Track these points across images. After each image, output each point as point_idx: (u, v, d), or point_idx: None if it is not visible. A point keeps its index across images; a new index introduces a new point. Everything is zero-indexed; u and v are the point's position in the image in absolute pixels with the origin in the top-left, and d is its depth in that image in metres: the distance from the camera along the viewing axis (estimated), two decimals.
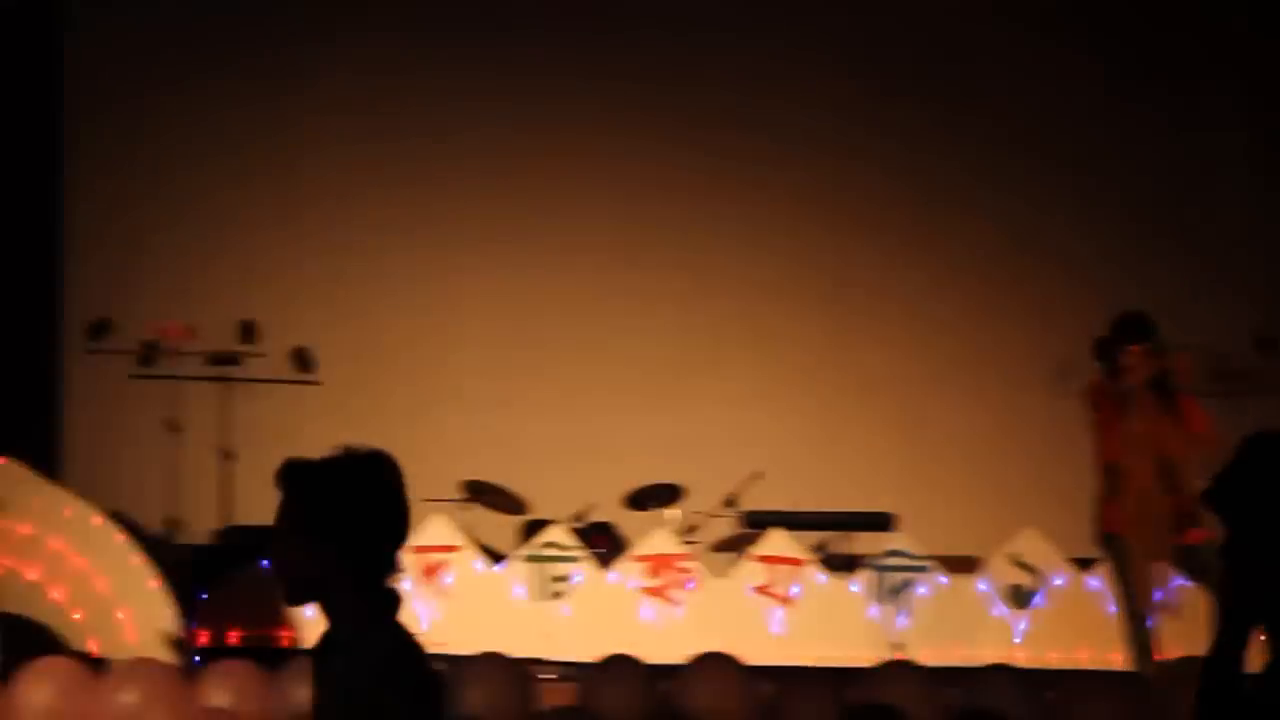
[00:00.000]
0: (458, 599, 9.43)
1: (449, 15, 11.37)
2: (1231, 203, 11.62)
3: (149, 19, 11.41)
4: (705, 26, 11.40)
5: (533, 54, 11.30)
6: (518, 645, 8.78)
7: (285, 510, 3.38)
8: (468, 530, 9.79)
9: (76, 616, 8.93)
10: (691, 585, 9.41)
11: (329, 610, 3.38)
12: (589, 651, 8.75)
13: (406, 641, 3.39)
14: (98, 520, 9.15)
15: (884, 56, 11.49)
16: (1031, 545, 9.46)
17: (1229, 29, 11.60)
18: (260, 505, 11.15)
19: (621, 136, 11.29)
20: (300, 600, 3.43)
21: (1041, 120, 11.59)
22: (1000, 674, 7.33)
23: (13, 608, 8.54)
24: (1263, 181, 11.61)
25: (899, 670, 7.63)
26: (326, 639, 3.36)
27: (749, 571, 9.46)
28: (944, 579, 9.50)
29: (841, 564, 9.75)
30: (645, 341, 11.21)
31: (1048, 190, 11.54)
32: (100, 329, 10.93)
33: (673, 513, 10.01)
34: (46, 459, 10.44)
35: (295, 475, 3.42)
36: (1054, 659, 9.25)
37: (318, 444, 11.47)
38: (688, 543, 9.81)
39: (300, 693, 7.37)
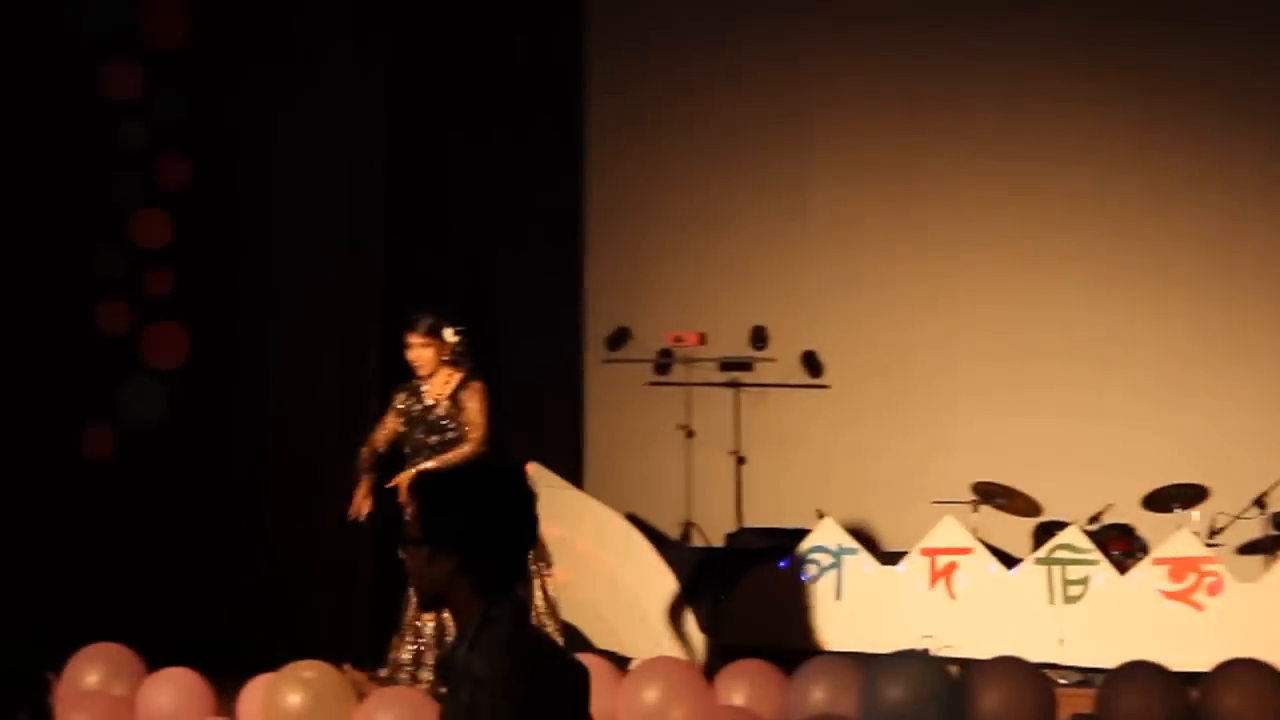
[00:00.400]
0: (970, 602, 9.34)
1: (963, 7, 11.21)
2: None
3: (663, 31, 11.72)
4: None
5: (1049, 48, 11.03)
6: (1032, 649, 8.63)
7: (413, 520, 3.47)
8: (979, 532, 9.69)
9: (606, 616, 9.28)
10: (1219, 590, 9.03)
11: (455, 619, 3.44)
12: (1106, 657, 8.52)
13: (527, 650, 3.41)
14: (621, 523, 9.49)
15: None
16: None
17: None
18: (770, 508, 11.41)
19: (1137, 126, 10.90)
20: (431, 607, 3.53)
21: None
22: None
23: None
24: None
25: None
26: (454, 648, 3.42)
27: None
28: None
29: None
30: (1162, 335, 10.78)
31: None
32: (619, 338, 11.34)
33: (1193, 514, 9.61)
34: (570, 465, 10.90)
35: (423, 487, 3.50)
36: None
37: (826, 447, 11.74)
38: (1212, 545, 9.42)
39: (816, 693, 7.45)
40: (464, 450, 7.59)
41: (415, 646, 7.75)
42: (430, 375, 7.80)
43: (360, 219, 10.29)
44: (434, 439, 7.79)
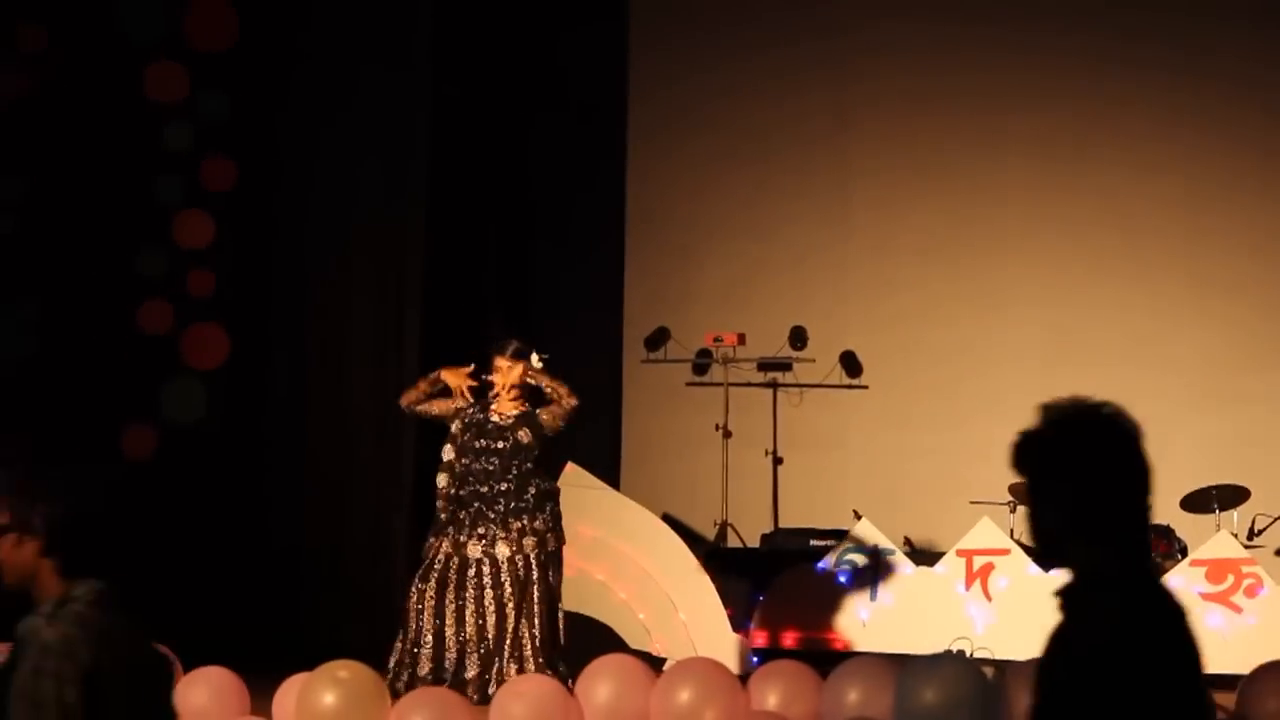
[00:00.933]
0: (1007, 603, 9.31)
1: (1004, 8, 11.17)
2: None
3: (705, 33, 11.73)
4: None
5: (1089, 48, 10.98)
6: None
7: (1021, 466, 3.35)
8: (1016, 533, 9.66)
9: (641, 616, 9.29)
10: (1257, 591, 8.99)
11: (1070, 565, 3.33)
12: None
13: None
14: (658, 524, 9.51)
15: None
16: None
17: None
18: (807, 508, 11.41)
19: (1176, 127, 10.85)
20: (1050, 558, 3.40)
21: None
22: None
23: (583, 608, 8.96)
24: None
25: None
26: (1065, 594, 3.31)
27: None
28: None
29: None
30: (1200, 336, 10.73)
31: None
32: (658, 339, 11.36)
33: (1234, 515, 9.57)
34: (608, 465, 10.93)
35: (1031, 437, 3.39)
36: None
37: (864, 447, 11.74)
38: (1251, 547, 9.37)
39: (851, 695, 7.45)
40: (566, 405, 7.78)
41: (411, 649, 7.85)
42: (501, 396, 8.00)
43: (400, 221, 10.35)
44: (481, 442, 7.92)
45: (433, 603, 7.84)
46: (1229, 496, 9.62)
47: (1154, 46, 10.91)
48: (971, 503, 9.84)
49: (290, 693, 7.24)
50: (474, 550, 7.87)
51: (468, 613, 7.84)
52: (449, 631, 7.84)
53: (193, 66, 10.16)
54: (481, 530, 7.87)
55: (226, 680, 7.37)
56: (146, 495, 9.75)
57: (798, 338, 11.16)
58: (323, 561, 9.96)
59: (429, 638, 7.87)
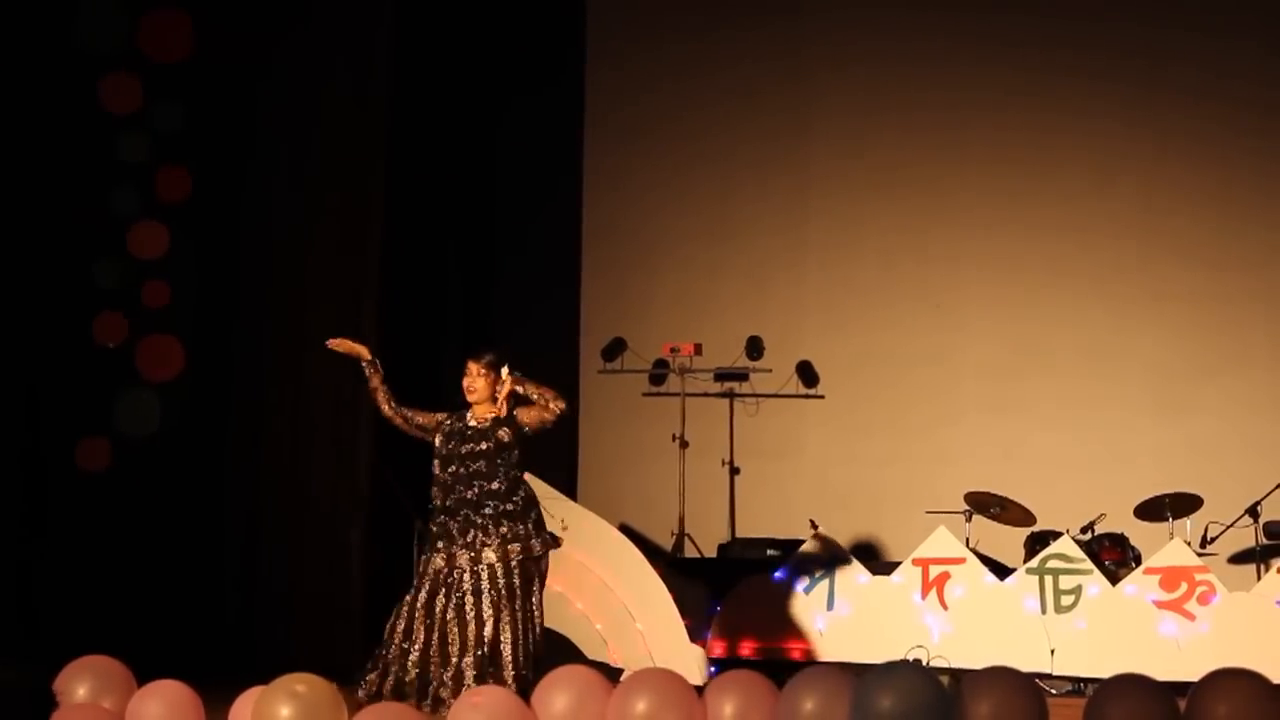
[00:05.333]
0: (963, 612, 9.36)
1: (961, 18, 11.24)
2: None
3: (662, 44, 11.75)
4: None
5: (1047, 58, 11.05)
6: (1024, 659, 8.66)
7: None
8: (972, 542, 9.71)
9: (598, 627, 9.29)
10: (1210, 599, 9.05)
11: None
12: (1098, 667, 8.54)
13: None
14: (615, 534, 9.51)
15: None
16: None
17: None
18: (764, 518, 11.43)
19: (1133, 138, 10.93)
20: None
21: None
22: None
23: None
24: None
25: None
26: None
27: (1274, 585, 9.03)
28: None
29: None
30: (1155, 346, 10.82)
31: None
32: (614, 349, 11.36)
33: (1188, 523, 9.63)
34: (565, 476, 10.93)
35: None
36: None
37: (820, 457, 11.72)
38: (1203, 555, 9.43)
39: (807, 704, 7.45)
40: (554, 408, 7.83)
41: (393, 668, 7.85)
42: (476, 404, 8.04)
43: (360, 234, 10.32)
44: (465, 448, 7.96)
45: (422, 613, 7.85)
46: (1182, 505, 9.68)
47: (1110, 57, 10.99)
48: (927, 513, 9.88)
49: (246, 706, 7.20)
50: (462, 559, 7.89)
51: (450, 621, 7.86)
52: (434, 639, 7.84)
53: (148, 77, 10.12)
54: (469, 537, 7.89)
55: (181, 694, 7.33)
56: (101, 508, 9.71)
57: (754, 348, 11.18)
58: (278, 573, 9.93)
59: (414, 648, 7.86)
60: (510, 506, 7.90)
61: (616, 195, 11.73)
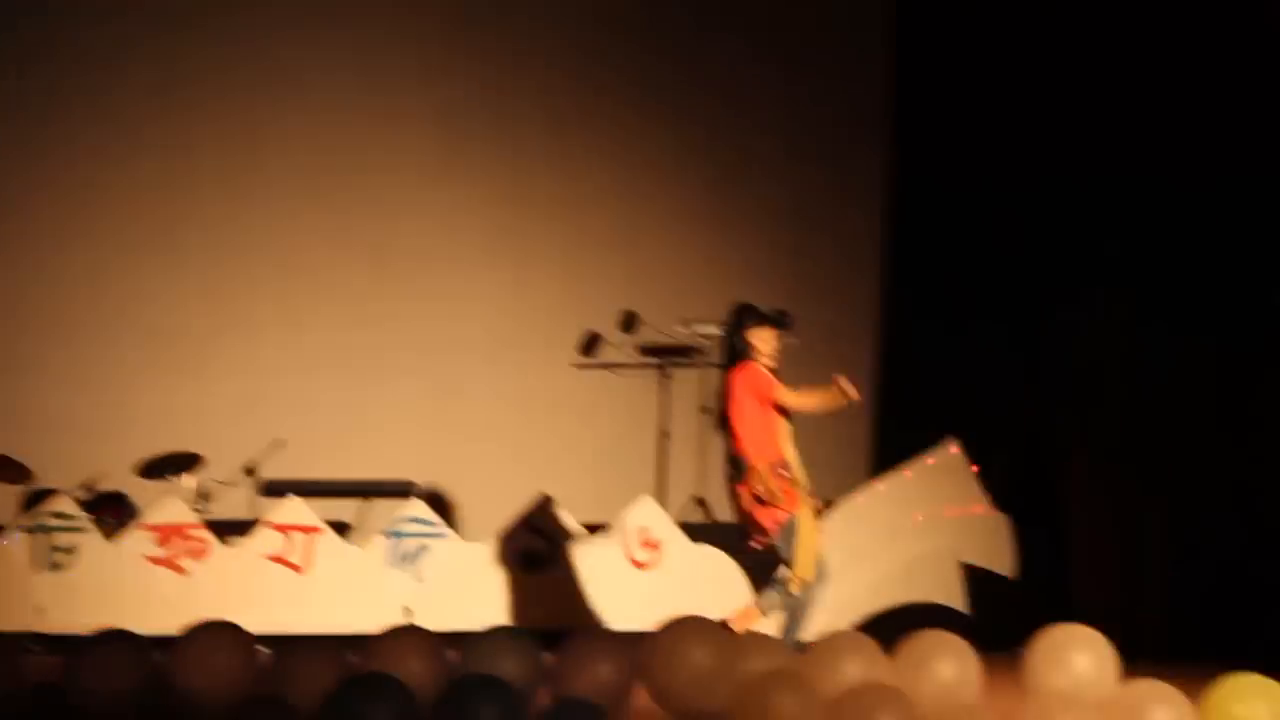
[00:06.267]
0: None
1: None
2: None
3: None
4: None
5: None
6: (11, 619, 8.50)
7: None
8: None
9: None
10: (204, 554, 9.27)
11: None
12: (87, 621, 8.50)
13: None
14: None
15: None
16: (543, 512, 9.67)
17: None
18: None
19: (222, 99, 11.02)
20: None
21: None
22: (499, 636, 7.37)
23: None
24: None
25: (402, 635, 7.63)
26: None
27: (264, 540, 9.37)
28: (460, 545, 9.62)
29: (344, 531, 9.85)
30: (166, 308, 10.94)
31: (579, 163, 11.67)
32: None
33: (188, 481, 9.82)
34: None
35: None
36: (565, 619, 9.46)
37: None
38: (201, 511, 9.65)
39: None
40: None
41: None
42: None
43: None
44: None
45: None
46: (181, 463, 9.89)
47: (435, 52, 11.13)
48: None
49: None
50: None
51: None
52: None
53: None
54: None
55: None
56: None
57: None
58: None
59: None
60: None
61: None
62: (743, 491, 7.85)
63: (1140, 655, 7.37)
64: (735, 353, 7.94)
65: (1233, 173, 10.24)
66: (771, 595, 7.85)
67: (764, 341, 7.91)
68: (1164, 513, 10.23)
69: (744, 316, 7.96)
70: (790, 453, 7.95)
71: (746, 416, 7.87)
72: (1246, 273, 10.26)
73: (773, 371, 7.95)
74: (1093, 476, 10.43)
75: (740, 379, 7.91)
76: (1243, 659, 7.02)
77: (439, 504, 10.18)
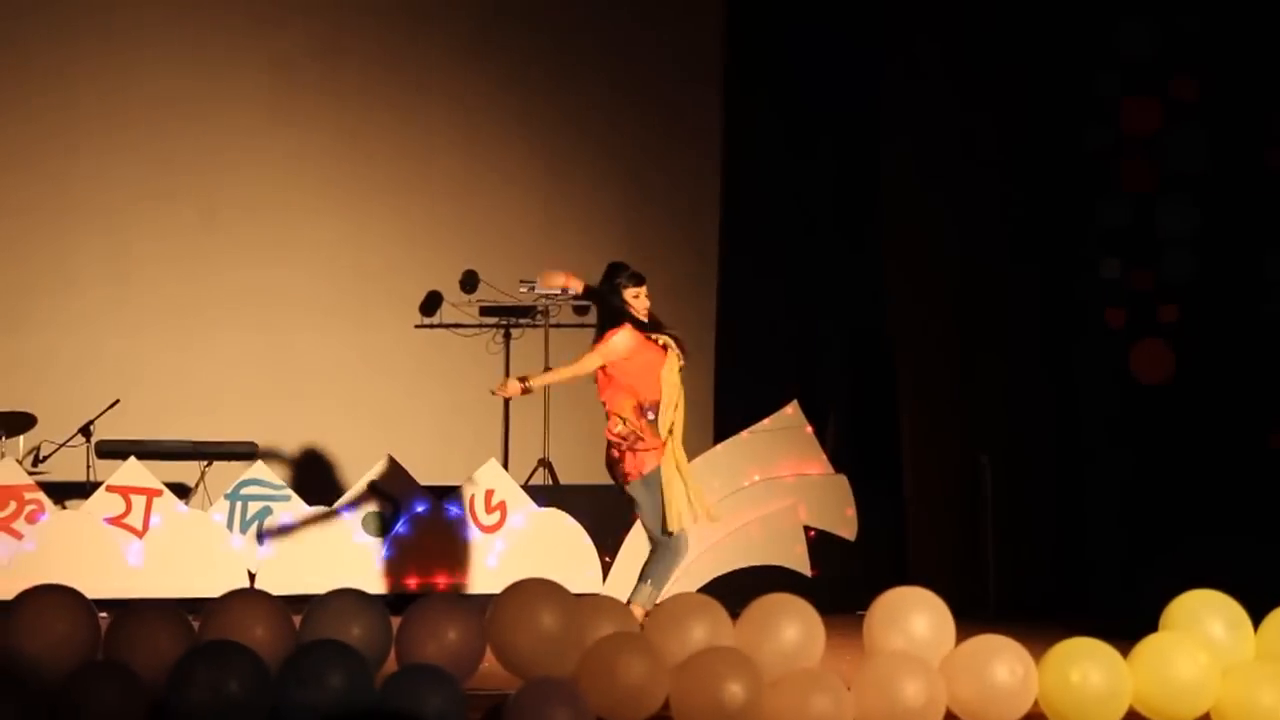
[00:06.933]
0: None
1: None
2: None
3: None
4: None
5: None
6: None
7: None
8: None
9: None
10: (43, 517, 9.12)
11: None
12: None
13: None
14: None
15: None
16: (388, 475, 9.64)
17: None
18: None
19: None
20: None
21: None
22: (345, 600, 7.34)
23: None
24: None
25: (245, 598, 7.57)
26: None
27: (103, 502, 9.23)
28: (304, 507, 9.55)
29: (185, 494, 9.76)
30: None
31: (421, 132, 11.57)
32: None
33: (21, 442, 9.68)
34: None
35: None
36: (413, 583, 9.46)
37: None
38: (36, 473, 9.49)
39: None
40: None
41: None
42: None
43: None
44: None
45: None
46: (15, 423, 9.72)
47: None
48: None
49: None
50: None
51: None
52: None
53: None
54: None
55: None
56: None
57: None
58: None
59: None
60: None
61: None
62: (607, 436, 7.93)
63: (975, 617, 7.54)
64: (612, 311, 7.97)
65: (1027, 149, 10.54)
66: (644, 590, 7.87)
67: (636, 298, 7.97)
68: (995, 469, 10.37)
69: (616, 275, 8.01)
70: (669, 404, 7.96)
71: (615, 366, 7.91)
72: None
73: (644, 325, 7.98)
74: (925, 430, 10.57)
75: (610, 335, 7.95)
76: (1078, 621, 7.23)
77: (281, 465, 10.13)
